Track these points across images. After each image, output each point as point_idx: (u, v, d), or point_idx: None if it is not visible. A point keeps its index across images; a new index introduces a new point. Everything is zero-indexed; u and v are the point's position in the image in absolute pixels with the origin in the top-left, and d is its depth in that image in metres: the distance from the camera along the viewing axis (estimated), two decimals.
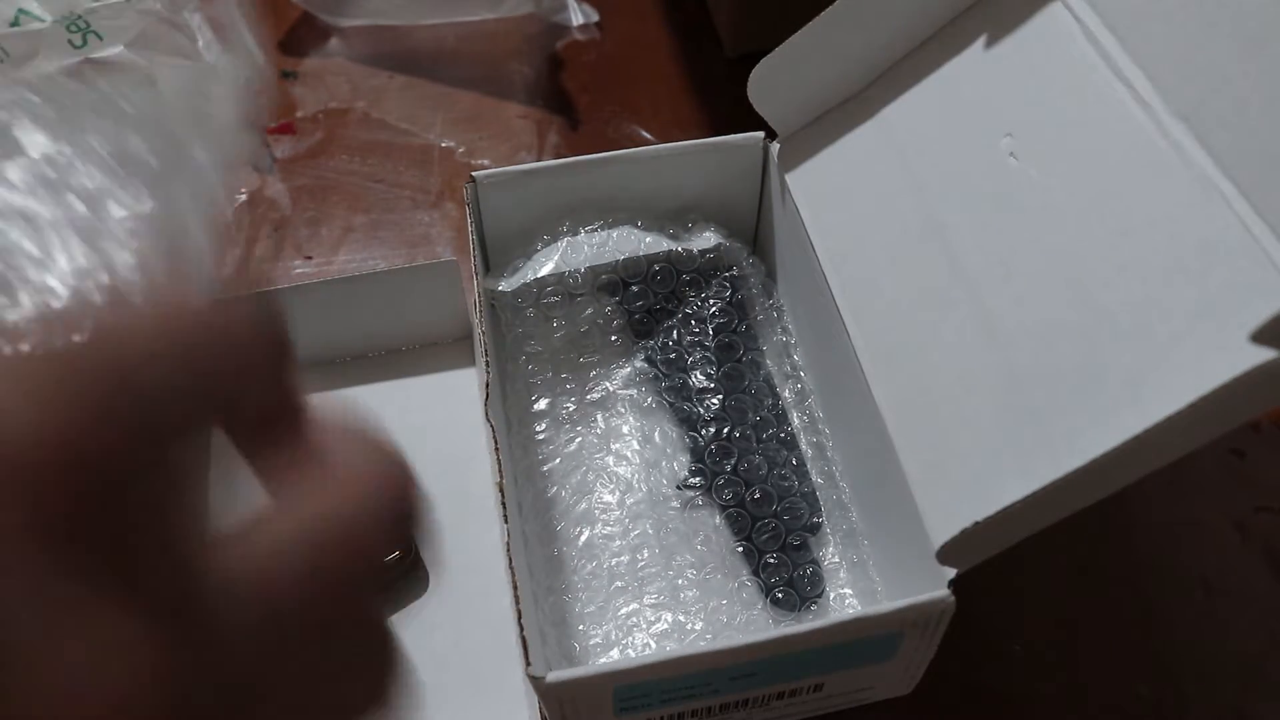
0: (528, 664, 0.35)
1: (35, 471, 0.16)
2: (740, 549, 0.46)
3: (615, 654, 0.44)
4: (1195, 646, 0.45)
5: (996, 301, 0.38)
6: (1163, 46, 0.36)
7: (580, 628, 0.44)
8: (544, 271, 0.50)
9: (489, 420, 0.41)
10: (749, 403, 0.49)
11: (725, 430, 0.48)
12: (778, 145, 0.50)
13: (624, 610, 0.45)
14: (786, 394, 0.51)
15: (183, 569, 0.18)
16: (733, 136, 0.50)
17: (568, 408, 0.50)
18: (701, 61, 0.69)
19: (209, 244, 0.23)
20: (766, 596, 0.45)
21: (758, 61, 0.46)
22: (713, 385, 0.50)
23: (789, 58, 0.46)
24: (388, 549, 0.20)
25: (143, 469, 0.17)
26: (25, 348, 0.17)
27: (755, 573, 0.46)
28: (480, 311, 0.45)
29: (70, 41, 0.57)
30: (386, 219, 0.62)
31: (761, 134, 0.50)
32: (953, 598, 0.36)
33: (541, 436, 0.50)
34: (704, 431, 0.49)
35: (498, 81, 0.69)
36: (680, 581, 0.45)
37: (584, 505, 0.48)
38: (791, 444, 0.49)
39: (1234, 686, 0.44)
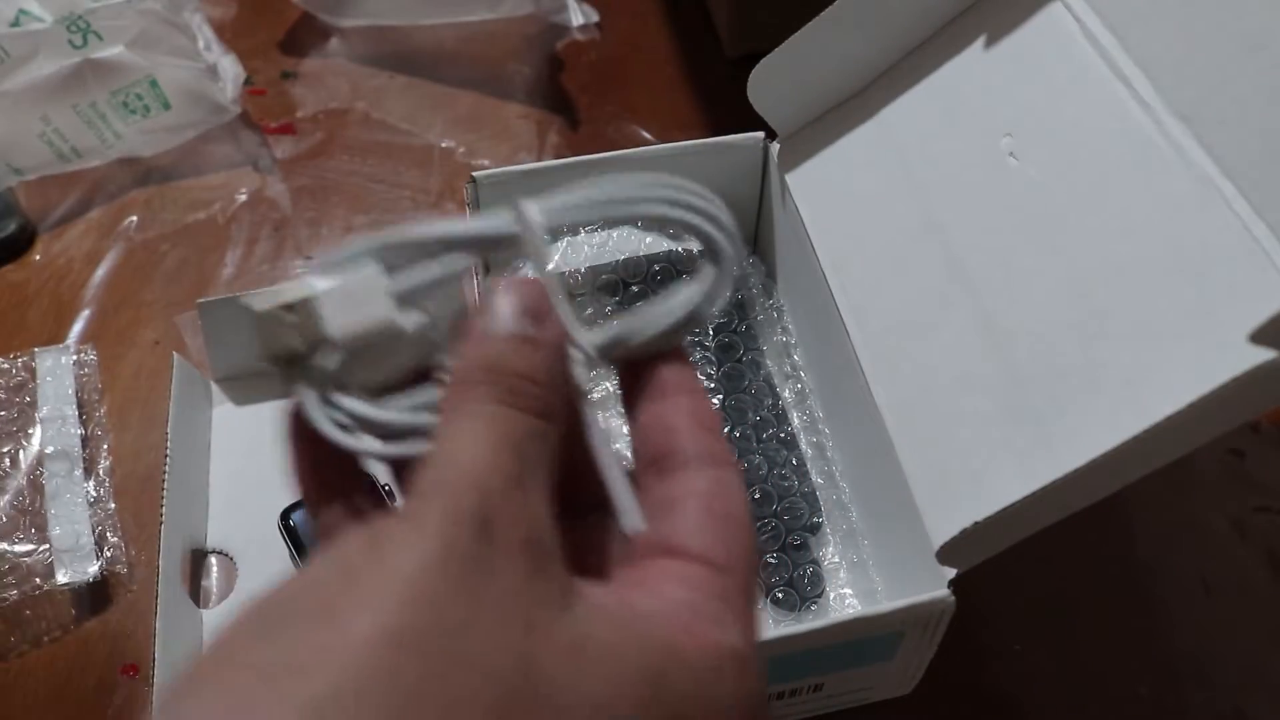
0: None
1: None
2: None
3: None
4: (1195, 646, 0.45)
5: (996, 301, 0.38)
6: (1163, 46, 0.36)
7: None
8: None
9: None
10: (749, 403, 0.49)
11: (725, 430, 0.48)
12: (778, 145, 0.50)
13: None
14: (786, 394, 0.51)
15: None
16: (733, 136, 0.50)
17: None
18: (701, 61, 0.69)
19: None
20: (766, 596, 0.45)
21: (758, 61, 0.46)
22: (713, 385, 0.50)
23: (789, 58, 0.46)
24: None
25: None
26: None
27: None
28: None
29: (70, 41, 0.57)
30: (387, 219, 0.62)
31: (761, 134, 0.50)
32: (953, 598, 0.36)
33: None
34: None
35: (498, 82, 0.69)
36: None
37: None
38: (791, 444, 0.49)
39: (1233, 686, 0.44)
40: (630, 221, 0.24)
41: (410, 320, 0.22)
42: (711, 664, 0.19)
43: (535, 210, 0.23)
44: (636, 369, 0.24)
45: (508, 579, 0.18)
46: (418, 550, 0.17)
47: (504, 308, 0.21)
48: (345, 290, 0.22)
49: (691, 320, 0.24)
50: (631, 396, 0.24)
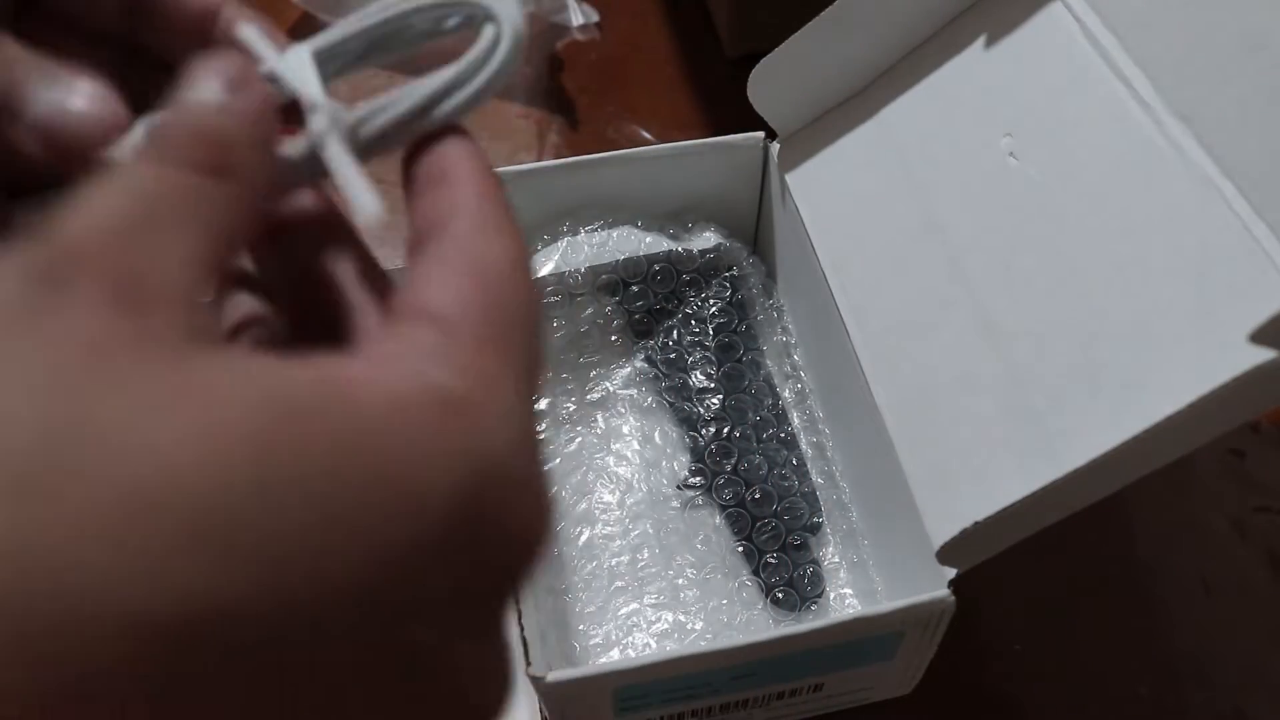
0: (528, 664, 0.35)
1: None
2: (740, 549, 0.46)
3: (615, 654, 0.44)
4: (1195, 646, 0.45)
5: (996, 301, 0.38)
6: (1163, 46, 0.36)
7: (580, 628, 0.44)
8: (544, 271, 0.50)
9: None
10: (749, 403, 0.49)
11: (725, 430, 0.48)
12: (778, 145, 0.50)
13: (624, 610, 0.45)
14: (786, 394, 0.51)
15: None
16: (733, 136, 0.50)
17: (568, 408, 0.50)
18: (701, 61, 0.69)
19: None
20: (766, 596, 0.45)
21: (758, 61, 0.46)
22: (713, 385, 0.50)
23: (789, 58, 0.46)
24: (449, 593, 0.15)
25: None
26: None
27: (755, 573, 0.46)
28: None
29: None
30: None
31: (761, 134, 0.50)
32: (953, 598, 0.36)
33: (541, 436, 0.50)
34: (704, 431, 0.49)
35: None
36: (680, 581, 0.45)
37: (584, 505, 0.48)
38: (791, 444, 0.49)
39: (1234, 686, 0.44)
40: (409, 39, 0.22)
41: None
42: (389, 400, 0.15)
43: (295, 54, 0.22)
44: (415, 160, 0.21)
45: (69, 325, 0.14)
46: None
47: (192, 80, 0.19)
48: None
49: (457, 84, 0.21)
50: (411, 190, 0.21)
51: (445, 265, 0.18)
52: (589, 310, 0.51)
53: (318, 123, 0.21)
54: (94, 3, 0.23)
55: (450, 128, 0.21)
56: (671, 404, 0.50)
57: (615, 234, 0.51)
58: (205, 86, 0.19)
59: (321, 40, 0.22)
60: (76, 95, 0.21)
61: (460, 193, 0.20)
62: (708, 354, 0.50)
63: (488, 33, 0.21)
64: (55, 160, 0.21)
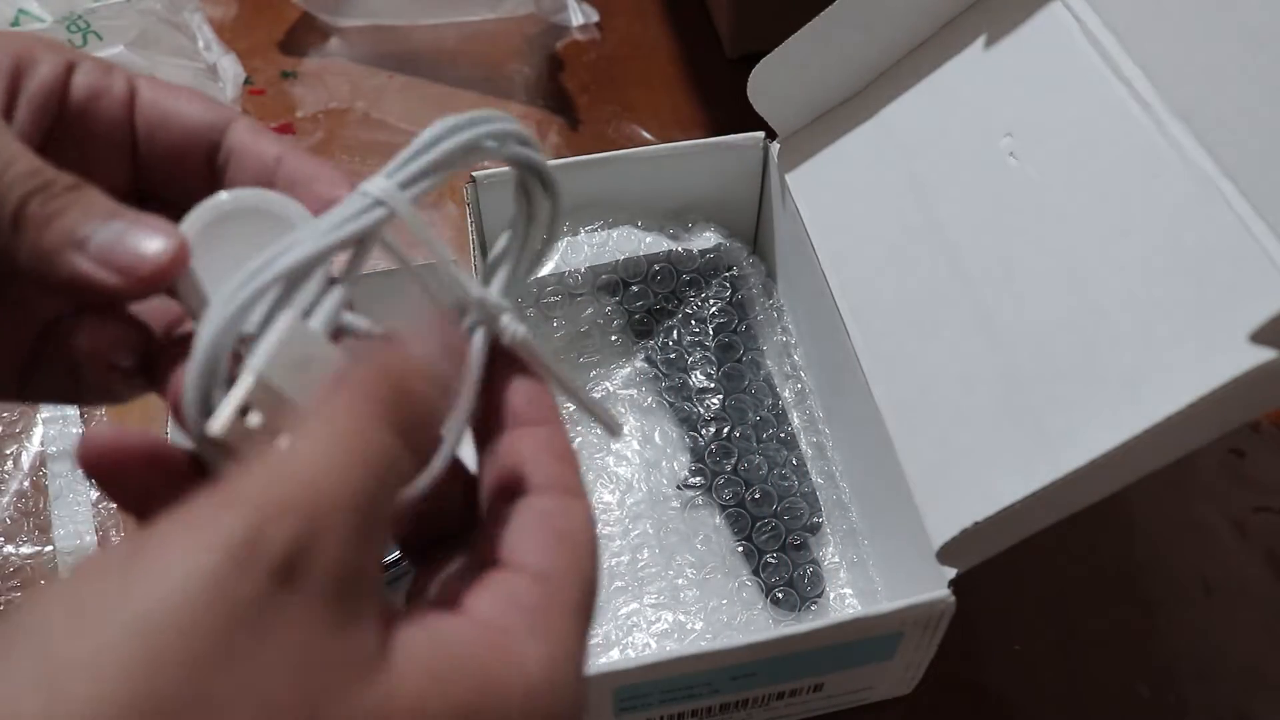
0: None
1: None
2: (740, 549, 0.46)
3: (615, 654, 0.44)
4: (1195, 646, 0.45)
5: (996, 301, 0.38)
6: (1163, 46, 0.36)
7: None
8: (544, 271, 0.50)
9: None
10: (749, 403, 0.49)
11: (725, 430, 0.48)
12: (778, 145, 0.50)
13: (624, 610, 0.45)
14: (786, 394, 0.51)
15: None
16: (733, 136, 0.50)
17: (568, 407, 0.50)
18: (701, 61, 0.69)
19: None
20: (766, 596, 0.45)
21: (758, 61, 0.47)
22: (713, 385, 0.50)
23: (789, 58, 0.46)
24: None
25: None
26: None
27: (755, 573, 0.46)
28: None
29: (70, 41, 0.57)
30: None
31: (761, 134, 0.50)
32: (953, 598, 0.36)
33: None
34: (704, 431, 0.49)
35: (498, 81, 0.69)
36: (680, 581, 0.45)
37: None
38: (791, 444, 0.49)
39: (1234, 686, 0.44)
40: (464, 159, 0.24)
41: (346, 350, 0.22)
42: (521, 690, 0.18)
43: (380, 183, 0.22)
44: (490, 396, 0.23)
45: (300, 636, 0.14)
46: (181, 580, 0.14)
47: (431, 338, 0.21)
48: (287, 356, 0.21)
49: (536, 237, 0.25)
50: (484, 427, 0.23)
51: (538, 525, 0.21)
52: (589, 310, 0.51)
53: (504, 323, 0.23)
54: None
55: (523, 369, 0.23)
56: (671, 404, 0.50)
57: (615, 234, 0.51)
58: (425, 347, 0.20)
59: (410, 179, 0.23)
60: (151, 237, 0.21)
61: (544, 453, 0.22)
62: (708, 354, 0.50)
63: (539, 195, 0.26)
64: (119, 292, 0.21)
